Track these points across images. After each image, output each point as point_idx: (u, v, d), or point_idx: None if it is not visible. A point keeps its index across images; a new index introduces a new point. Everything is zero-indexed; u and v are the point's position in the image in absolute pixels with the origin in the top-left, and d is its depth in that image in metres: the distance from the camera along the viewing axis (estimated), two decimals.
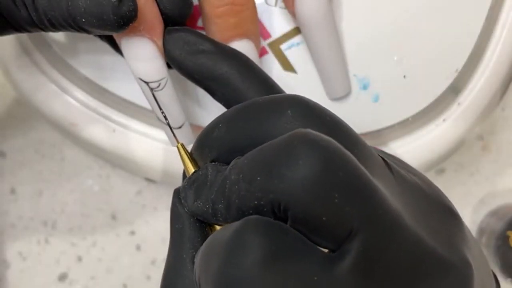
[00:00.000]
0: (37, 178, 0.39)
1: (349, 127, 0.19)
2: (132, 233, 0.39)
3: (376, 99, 0.30)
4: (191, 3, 0.24)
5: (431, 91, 0.31)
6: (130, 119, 0.31)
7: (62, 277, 0.38)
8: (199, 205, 0.19)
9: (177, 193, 0.21)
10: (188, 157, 0.21)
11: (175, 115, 0.25)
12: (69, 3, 0.21)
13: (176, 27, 0.24)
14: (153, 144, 0.31)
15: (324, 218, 0.16)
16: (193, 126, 0.27)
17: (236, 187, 0.17)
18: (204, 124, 0.29)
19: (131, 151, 0.32)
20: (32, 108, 0.32)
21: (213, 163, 0.20)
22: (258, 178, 0.17)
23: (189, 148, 0.22)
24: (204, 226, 0.20)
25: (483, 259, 0.20)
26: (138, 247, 0.39)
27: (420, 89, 0.31)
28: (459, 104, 0.31)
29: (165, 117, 0.24)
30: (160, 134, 0.31)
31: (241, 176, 0.17)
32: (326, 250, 0.17)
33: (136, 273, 0.39)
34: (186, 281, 0.19)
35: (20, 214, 0.38)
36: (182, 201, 0.20)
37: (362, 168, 0.17)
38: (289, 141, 0.17)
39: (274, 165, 0.16)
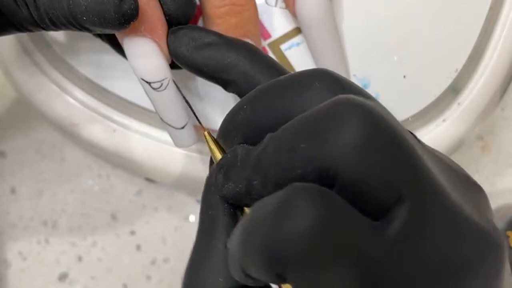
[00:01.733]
0: (37, 178, 0.39)
1: (376, 99, 0.19)
2: (132, 233, 0.39)
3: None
4: (195, 4, 0.24)
5: (431, 91, 0.31)
6: (130, 119, 0.31)
7: (62, 277, 0.38)
8: (230, 186, 0.19)
9: (208, 181, 0.20)
10: (215, 144, 0.21)
11: (178, 116, 0.25)
12: (70, 1, 0.21)
13: (179, 26, 0.24)
14: (153, 144, 0.31)
15: (373, 184, 0.15)
16: (196, 127, 0.27)
17: (275, 159, 0.17)
18: (206, 125, 0.29)
19: (131, 151, 0.32)
20: (32, 108, 0.32)
21: (241, 145, 0.19)
22: (302, 145, 0.16)
23: (190, 148, 0.22)
24: (237, 213, 0.20)
25: None
26: (138, 247, 0.39)
27: (420, 89, 0.31)
28: (459, 104, 0.31)
29: (189, 105, 0.24)
30: (160, 134, 0.31)
31: (280, 147, 0.17)
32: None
33: (136, 273, 0.39)
34: (216, 268, 0.19)
35: (21, 214, 0.38)
36: (212, 187, 0.20)
37: (405, 133, 0.16)
38: (333, 106, 0.16)
39: (319, 131, 0.16)
